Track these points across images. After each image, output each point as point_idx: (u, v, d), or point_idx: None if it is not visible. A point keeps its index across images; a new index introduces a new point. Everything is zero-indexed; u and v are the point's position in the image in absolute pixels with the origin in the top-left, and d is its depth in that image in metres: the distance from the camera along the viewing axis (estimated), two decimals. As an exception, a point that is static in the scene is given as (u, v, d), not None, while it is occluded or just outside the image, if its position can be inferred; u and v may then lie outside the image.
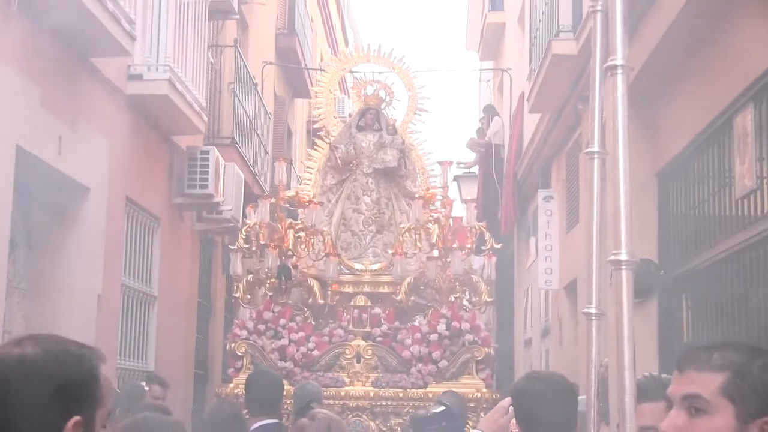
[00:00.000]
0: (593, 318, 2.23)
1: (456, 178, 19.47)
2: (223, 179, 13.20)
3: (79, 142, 9.42)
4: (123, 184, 10.77)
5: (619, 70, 1.88)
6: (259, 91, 16.87)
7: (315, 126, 16.04)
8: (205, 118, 12.54)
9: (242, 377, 10.65)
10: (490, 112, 20.81)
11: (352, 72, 15.02)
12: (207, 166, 12.69)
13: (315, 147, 13.67)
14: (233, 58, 15.13)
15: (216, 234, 14.66)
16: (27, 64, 8.43)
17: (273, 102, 19.66)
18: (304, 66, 21.36)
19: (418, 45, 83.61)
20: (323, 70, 13.88)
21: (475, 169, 20.59)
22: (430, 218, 12.33)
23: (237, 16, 15.10)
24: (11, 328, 8.88)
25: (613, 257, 1.80)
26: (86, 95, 9.83)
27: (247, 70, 15.72)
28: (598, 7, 2.45)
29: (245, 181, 14.31)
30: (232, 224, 13.76)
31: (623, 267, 1.80)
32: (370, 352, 11.70)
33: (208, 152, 12.79)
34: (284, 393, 7.60)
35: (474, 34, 27.09)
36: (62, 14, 8.61)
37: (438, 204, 12.62)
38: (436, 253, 12.10)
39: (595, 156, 2.29)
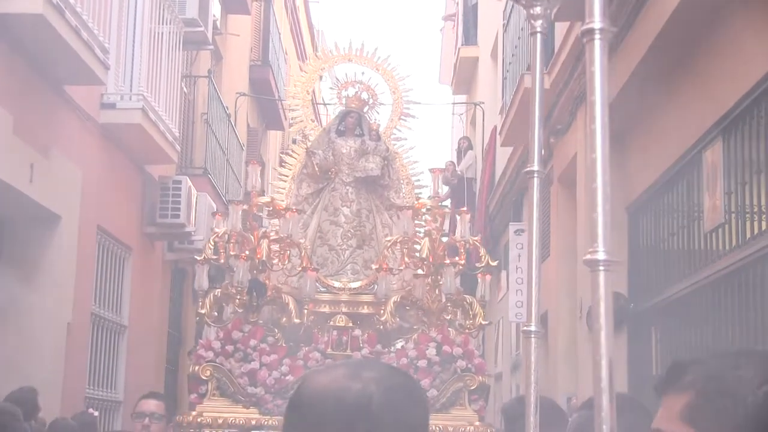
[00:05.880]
0: (532, 336, 2.17)
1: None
2: (195, 209, 13.18)
3: (51, 170, 9.40)
4: (94, 213, 10.74)
5: (597, 35, 1.72)
6: (233, 122, 16.89)
7: (290, 129, 14.85)
8: (178, 148, 12.53)
9: (207, 404, 10.13)
10: (467, 141, 20.91)
11: (324, 104, 14.43)
12: (179, 195, 12.67)
13: (289, 152, 12.50)
14: (207, 89, 15.15)
15: (187, 264, 14.62)
16: (0, 91, 8.42)
17: (246, 133, 19.67)
18: (278, 98, 21.39)
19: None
20: (296, 107, 12.87)
21: (448, 203, 20.63)
22: (419, 231, 11.25)
23: (211, 47, 15.12)
24: (-20, 355, 8.85)
25: (588, 256, 1.58)
26: (59, 123, 9.82)
27: (220, 100, 15.74)
28: (538, 29, 2.48)
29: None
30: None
31: (601, 268, 1.62)
32: (351, 378, 10.81)
33: (180, 182, 12.77)
34: None
35: (447, 68, 27.27)
36: (36, 42, 8.62)
37: (428, 216, 11.41)
38: (421, 270, 10.93)
39: (534, 175, 2.26)
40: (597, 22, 1.70)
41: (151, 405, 7.01)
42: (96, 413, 8.71)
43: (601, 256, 1.58)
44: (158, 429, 6.85)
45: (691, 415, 1.84)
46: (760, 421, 1.79)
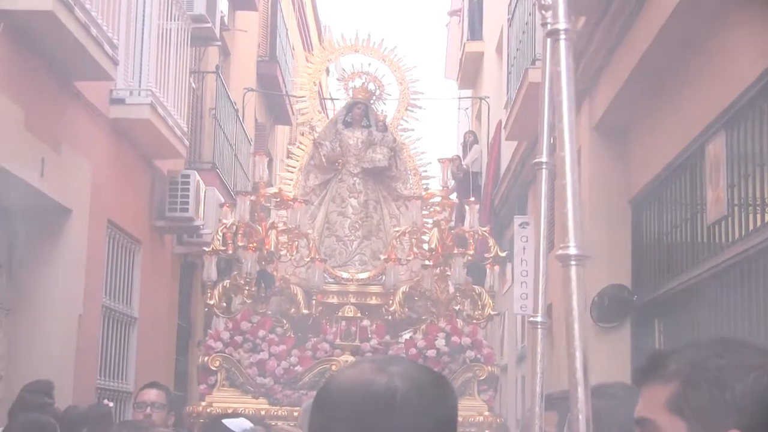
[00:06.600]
0: (538, 327, 2.23)
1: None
2: (204, 203, 13.28)
3: (61, 165, 9.50)
4: (104, 207, 10.84)
5: (562, 35, 1.78)
6: (240, 117, 16.98)
7: (297, 121, 14.46)
8: (186, 143, 12.62)
9: (216, 395, 10.24)
10: (472, 135, 20.97)
11: (332, 99, 14.21)
12: (188, 190, 12.77)
13: (298, 144, 12.50)
14: (215, 84, 15.25)
15: (196, 257, 14.71)
16: (11, 87, 8.51)
17: (254, 128, 19.76)
18: (285, 93, 21.45)
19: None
20: (303, 98, 12.60)
21: (454, 196, 20.66)
22: (428, 222, 11.23)
23: (219, 43, 15.23)
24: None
25: (560, 252, 1.65)
26: (69, 118, 9.92)
27: (228, 96, 15.83)
28: (549, 20, 2.55)
29: (225, 206, 14.39)
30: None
31: (572, 262, 1.69)
32: (359, 368, 10.55)
33: (188, 176, 12.87)
34: None
35: (453, 63, 27.32)
36: (46, 38, 8.71)
37: (436, 206, 11.51)
38: (429, 261, 10.93)
39: (543, 167, 2.31)
40: (561, 23, 1.76)
41: (152, 394, 7.11)
42: (111, 404, 8.81)
43: (572, 251, 1.64)
44: (159, 418, 6.94)
45: (678, 405, 1.85)
46: (750, 408, 1.81)
